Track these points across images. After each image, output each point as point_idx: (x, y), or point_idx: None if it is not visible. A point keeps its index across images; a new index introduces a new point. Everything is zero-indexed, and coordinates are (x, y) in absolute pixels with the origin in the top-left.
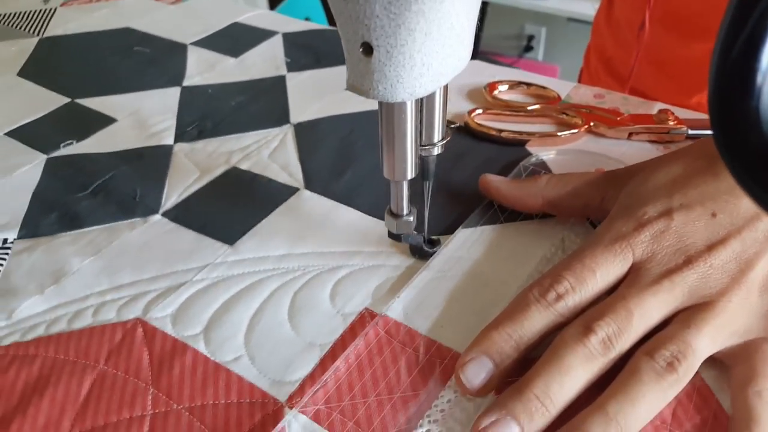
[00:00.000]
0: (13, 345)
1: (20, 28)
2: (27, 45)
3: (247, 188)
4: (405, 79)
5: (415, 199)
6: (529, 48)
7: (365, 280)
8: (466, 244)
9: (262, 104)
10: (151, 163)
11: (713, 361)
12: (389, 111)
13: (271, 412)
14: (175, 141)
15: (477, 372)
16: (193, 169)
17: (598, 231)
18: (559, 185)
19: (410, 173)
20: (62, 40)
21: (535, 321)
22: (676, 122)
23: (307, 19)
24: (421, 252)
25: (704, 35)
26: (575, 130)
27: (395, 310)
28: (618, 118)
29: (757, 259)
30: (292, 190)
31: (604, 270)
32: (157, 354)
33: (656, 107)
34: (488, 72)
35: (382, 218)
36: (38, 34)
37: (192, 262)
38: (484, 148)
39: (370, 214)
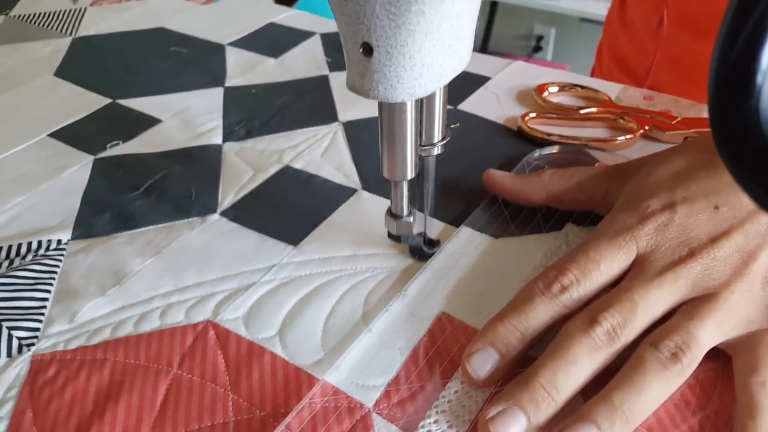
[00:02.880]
0: (80, 349)
1: (51, 27)
2: (60, 45)
3: (303, 188)
4: (405, 80)
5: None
6: (538, 48)
7: (438, 282)
8: (470, 240)
9: (308, 103)
10: (202, 163)
11: (717, 352)
12: (389, 111)
13: (359, 417)
14: (224, 140)
15: (483, 362)
16: (245, 168)
17: (602, 224)
18: (563, 179)
19: (410, 173)
20: (96, 39)
21: (540, 313)
22: None
23: None
24: (421, 253)
25: None
26: (630, 135)
27: (399, 304)
28: (672, 122)
29: (760, 251)
30: (350, 191)
31: (609, 262)
32: (233, 357)
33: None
34: (532, 73)
35: (446, 221)
36: (70, 34)
37: (257, 262)
38: None
39: (435, 216)
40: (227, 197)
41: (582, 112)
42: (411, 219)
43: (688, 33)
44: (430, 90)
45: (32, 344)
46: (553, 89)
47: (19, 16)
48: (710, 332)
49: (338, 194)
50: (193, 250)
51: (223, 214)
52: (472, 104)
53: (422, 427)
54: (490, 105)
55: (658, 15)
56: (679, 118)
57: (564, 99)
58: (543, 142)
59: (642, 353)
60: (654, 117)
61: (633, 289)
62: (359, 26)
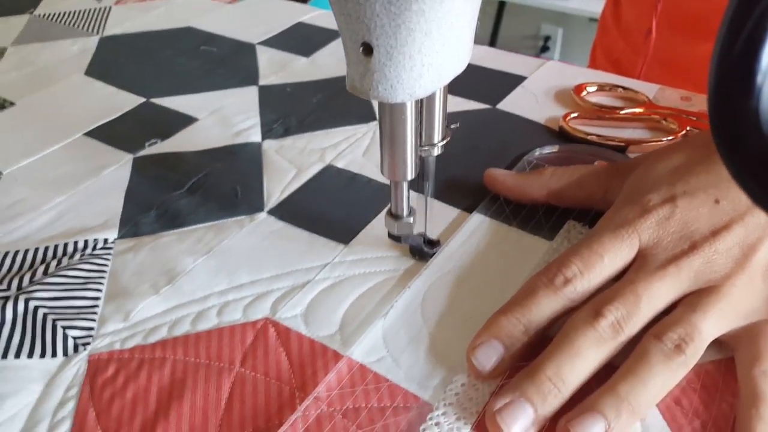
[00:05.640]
0: (137, 348)
1: (78, 26)
2: (88, 44)
3: (347, 187)
4: (405, 80)
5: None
6: (545, 48)
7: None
8: (470, 239)
9: (343, 101)
10: (243, 161)
11: (719, 344)
12: (389, 111)
13: (426, 419)
14: (263, 138)
15: (488, 355)
16: (288, 166)
17: (604, 219)
18: (564, 177)
19: (410, 174)
20: (123, 38)
21: (544, 306)
22: None
23: None
24: (421, 253)
25: (713, 37)
26: (672, 137)
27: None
28: None
29: (760, 244)
30: None
31: (612, 255)
32: (296, 355)
33: None
34: (567, 72)
35: (495, 218)
36: (97, 33)
37: (310, 261)
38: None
39: (488, 215)
40: (273, 196)
41: (623, 113)
42: (411, 219)
43: (678, 36)
44: (430, 90)
45: (87, 343)
46: (591, 89)
47: (44, 15)
48: (713, 324)
49: (384, 194)
50: (244, 249)
51: (271, 212)
52: (511, 104)
53: (431, 419)
54: (528, 105)
55: (650, 16)
56: None
57: (603, 99)
58: (585, 143)
59: (646, 345)
60: (699, 119)
61: (636, 282)
62: (359, 25)
